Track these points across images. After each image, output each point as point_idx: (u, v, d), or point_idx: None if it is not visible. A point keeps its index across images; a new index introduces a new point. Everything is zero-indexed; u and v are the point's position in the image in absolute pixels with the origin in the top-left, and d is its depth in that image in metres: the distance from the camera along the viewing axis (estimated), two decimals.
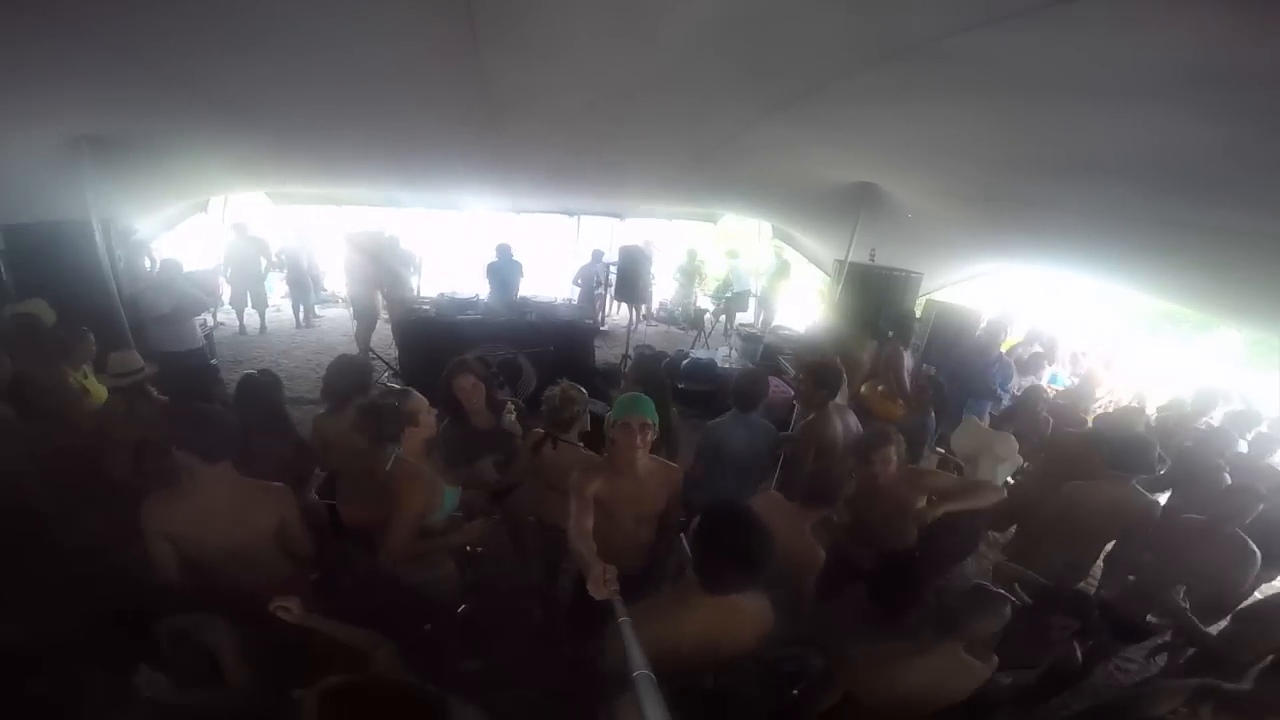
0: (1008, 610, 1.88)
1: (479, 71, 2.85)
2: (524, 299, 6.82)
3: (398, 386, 2.36)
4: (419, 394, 2.36)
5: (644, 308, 9.49)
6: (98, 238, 3.61)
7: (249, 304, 7.67)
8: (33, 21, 2.04)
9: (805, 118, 3.25)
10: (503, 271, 7.17)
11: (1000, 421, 4.25)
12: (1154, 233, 3.67)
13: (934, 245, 6.28)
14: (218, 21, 2.31)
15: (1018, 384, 5.31)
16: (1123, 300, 9.19)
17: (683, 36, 2.42)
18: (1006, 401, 5.04)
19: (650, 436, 2.21)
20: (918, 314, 6.74)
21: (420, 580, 2.42)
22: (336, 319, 8.55)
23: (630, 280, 6.91)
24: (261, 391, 2.92)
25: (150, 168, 3.97)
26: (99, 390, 3.12)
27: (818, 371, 3.29)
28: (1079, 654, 2.44)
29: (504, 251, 7.27)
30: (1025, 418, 4.07)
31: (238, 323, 7.69)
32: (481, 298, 6.67)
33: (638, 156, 4.57)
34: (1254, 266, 3.55)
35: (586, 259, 8.92)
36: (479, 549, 3.13)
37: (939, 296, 7.38)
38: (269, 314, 8.08)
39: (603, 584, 1.68)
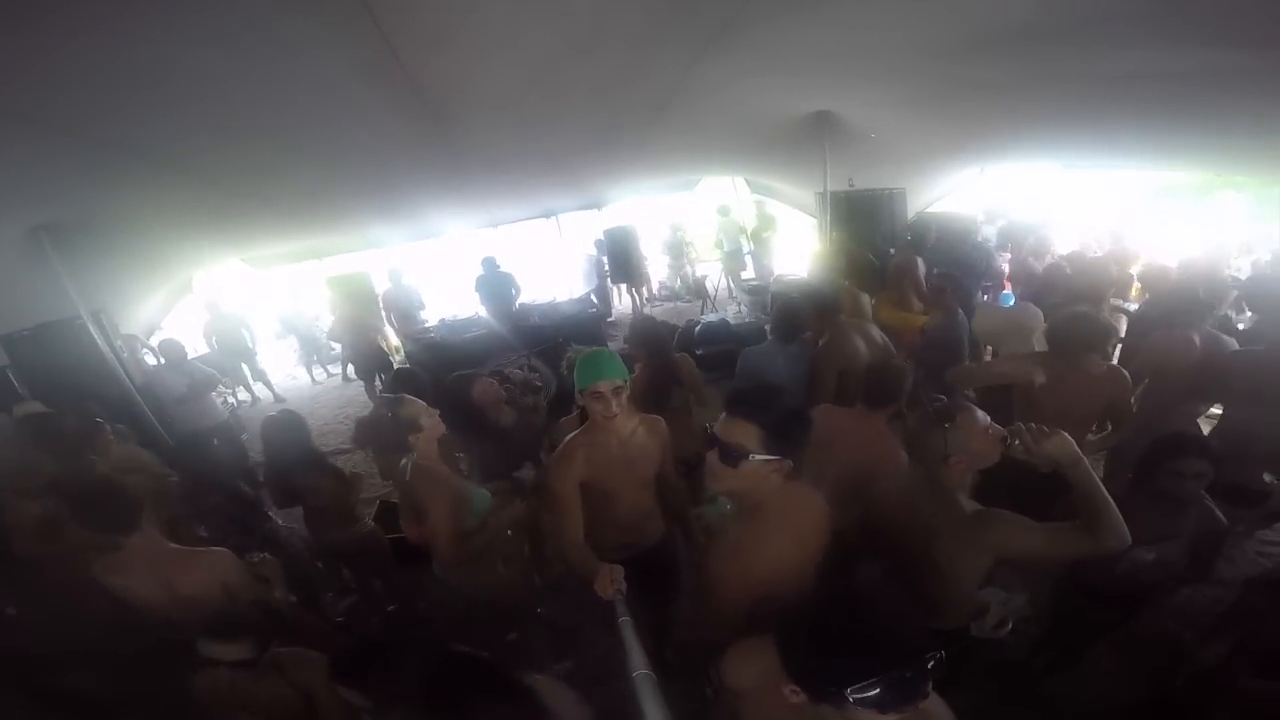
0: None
1: (406, 78, 2.85)
2: (523, 305, 6.84)
3: (391, 398, 2.33)
4: (413, 398, 2.31)
5: (645, 290, 9.48)
6: (93, 331, 3.70)
7: (249, 377, 7.67)
8: None
9: (740, 46, 3.17)
10: (493, 284, 7.12)
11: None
12: (1109, 91, 3.51)
13: (909, 161, 6.23)
14: (155, 91, 2.33)
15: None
16: (1115, 182, 8.90)
17: None
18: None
19: (625, 396, 1.96)
20: (910, 228, 6.67)
21: (484, 585, 2.39)
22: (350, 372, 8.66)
23: (622, 261, 6.89)
24: (285, 431, 2.99)
25: (120, 251, 4.05)
26: None
27: (816, 296, 3.26)
28: (1218, 513, 2.07)
29: (489, 264, 7.18)
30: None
31: (248, 396, 7.75)
32: (481, 315, 6.72)
33: (593, 131, 4.54)
34: (1213, 109, 3.45)
35: (590, 252, 8.82)
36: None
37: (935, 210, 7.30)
38: (285, 381, 8.22)
39: (609, 584, 1.62)
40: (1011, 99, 3.94)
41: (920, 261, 4.38)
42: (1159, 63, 3.02)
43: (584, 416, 2.40)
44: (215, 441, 4.53)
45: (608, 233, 6.91)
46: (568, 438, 2.10)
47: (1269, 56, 2.62)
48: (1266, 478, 2.69)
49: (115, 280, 4.34)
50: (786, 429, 1.46)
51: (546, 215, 8.50)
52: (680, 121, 4.66)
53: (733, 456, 1.46)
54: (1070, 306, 3.35)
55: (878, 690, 0.97)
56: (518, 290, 7.15)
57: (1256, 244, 6.12)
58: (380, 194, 5.04)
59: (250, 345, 7.46)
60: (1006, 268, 6.73)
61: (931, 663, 1.00)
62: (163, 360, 4.83)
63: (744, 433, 1.45)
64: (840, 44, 3.26)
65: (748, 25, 2.88)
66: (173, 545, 2.05)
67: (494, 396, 3.06)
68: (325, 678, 1.72)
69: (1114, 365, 2.64)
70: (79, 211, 3.34)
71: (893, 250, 6.43)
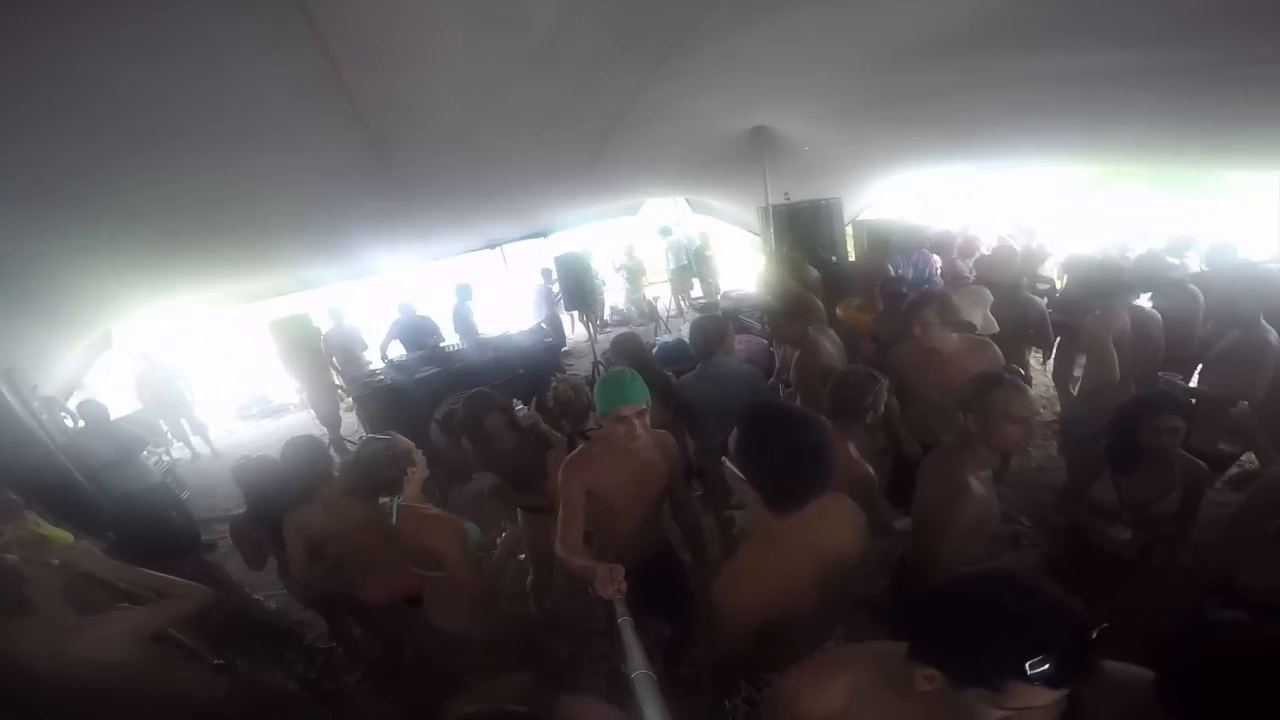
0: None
1: (350, 103, 2.78)
2: (480, 339, 6.67)
3: (379, 436, 2.23)
4: (400, 435, 2.21)
5: (598, 317, 9.45)
6: (5, 392, 3.35)
7: (189, 432, 7.29)
8: None
9: (687, 67, 3.27)
10: (411, 329, 6.65)
11: None
12: (1032, 93, 3.79)
13: (842, 171, 6.52)
14: (72, 113, 2.16)
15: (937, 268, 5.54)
16: (1022, 180, 9.62)
17: (547, 13, 2.40)
18: None
19: (646, 417, 1.95)
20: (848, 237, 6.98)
21: (488, 626, 2.23)
22: (294, 423, 8.21)
23: (575, 288, 6.82)
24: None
25: (29, 302, 3.73)
26: (59, 535, 2.92)
27: (787, 304, 3.25)
28: (1199, 463, 2.20)
29: (407, 308, 6.79)
30: None
31: (187, 453, 7.33)
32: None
33: (541, 158, 4.53)
34: (1120, 102, 3.73)
35: (538, 282, 8.71)
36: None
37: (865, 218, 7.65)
38: (222, 436, 7.77)
39: (609, 583, 1.59)
40: (940, 105, 4.20)
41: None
42: (1080, 62, 3.24)
43: (571, 447, 2.41)
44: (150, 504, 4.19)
45: (559, 260, 6.81)
46: (581, 446, 2.12)
47: (1182, 54, 2.89)
48: (1222, 445, 2.87)
49: (25, 335, 3.94)
50: (763, 469, 1.38)
51: (491, 246, 8.37)
52: (625, 145, 4.73)
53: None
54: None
55: (1052, 664, 0.89)
56: (438, 331, 6.69)
57: (1151, 229, 6.61)
58: (318, 228, 4.82)
59: (188, 398, 7.02)
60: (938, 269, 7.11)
61: (1096, 633, 0.92)
62: (83, 424, 4.46)
63: (733, 453, 1.41)
64: (783, 59, 3.41)
65: (698, 45, 2.97)
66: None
67: (504, 426, 2.95)
68: None
69: (978, 338, 2.88)
70: None
71: (834, 258, 6.70)
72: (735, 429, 1.41)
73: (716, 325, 3.12)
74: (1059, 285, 5.21)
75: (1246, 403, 2.66)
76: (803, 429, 1.33)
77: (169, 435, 7.02)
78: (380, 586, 2.57)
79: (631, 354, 3.27)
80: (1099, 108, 3.83)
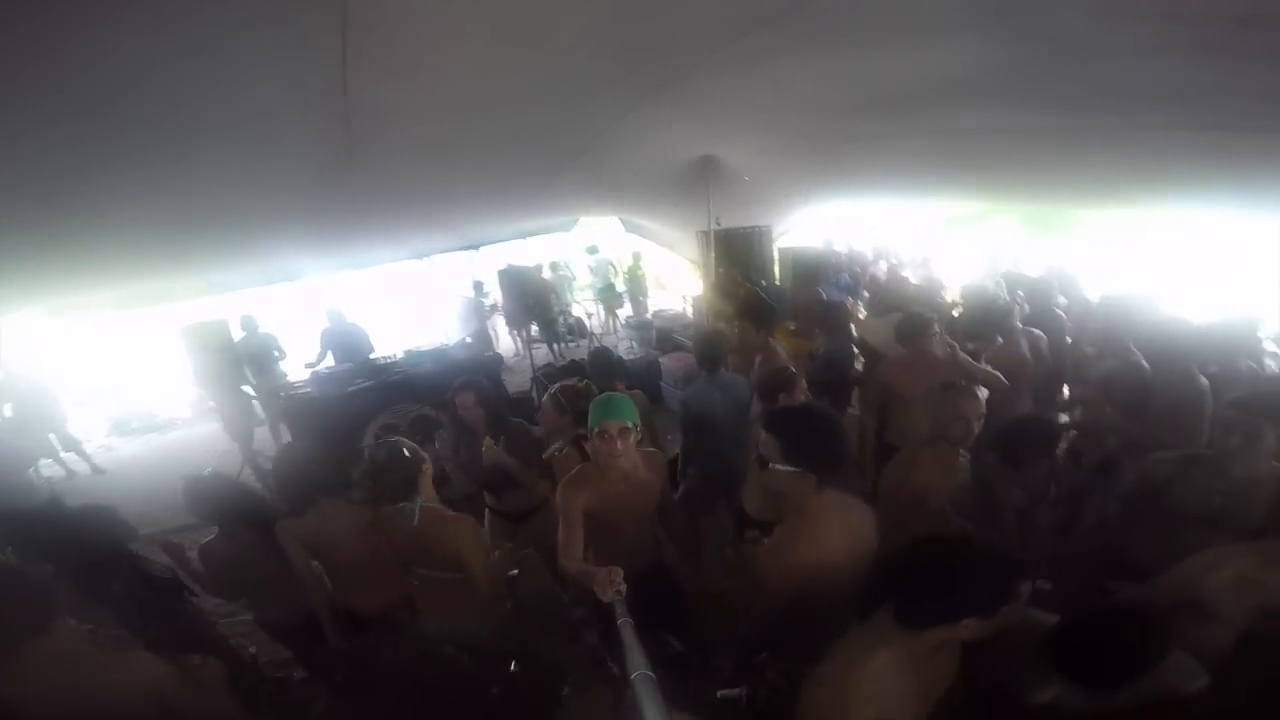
0: None
1: (343, 103, 2.67)
2: (413, 352, 6.40)
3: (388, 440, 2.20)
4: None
5: (525, 333, 9.30)
6: None
7: (59, 448, 6.44)
8: None
9: (669, 100, 3.42)
10: (343, 335, 6.46)
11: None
12: (952, 142, 4.31)
13: (768, 200, 6.96)
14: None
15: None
16: (918, 214, 10.72)
17: (567, 34, 2.45)
18: None
19: (633, 438, 2.09)
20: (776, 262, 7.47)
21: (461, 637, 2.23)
22: (185, 438, 7.43)
23: (522, 303, 6.72)
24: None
25: None
26: None
27: (752, 310, 3.46)
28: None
29: (336, 314, 6.53)
30: None
31: (61, 470, 6.45)
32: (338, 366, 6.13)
33: (505, 173, 4.51)
34: (1017, 154, 4.40)
35: (467, 295, 8.39)
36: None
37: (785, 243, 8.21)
38: (99, 453, 6.88)
39: (609, 586, 1.66)
40: (875, 147, 4.66)
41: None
42: (1010, 119, 3.68)
43: (583, 454, 2.49)
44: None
45: (504, 274, 6.69)
46: (578, 467, 2.24)
47: (1094, 117, 3.40)
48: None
49: None
50: (802, 445, 1.67)
51: (419, 257, 8.05)
52: (590, 166, 4.82)
53: (760, 463, 1.72)
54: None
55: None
56: (370, 343, 6.61)
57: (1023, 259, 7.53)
58: (259, 226, 4.43)
59: (56, 411, 6.16)
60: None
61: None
62: None
63: (768, 445, 1.69)
64: (753, 97, 3.62)
65: (685, 82, 3.13)
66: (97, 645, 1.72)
67: (478, 415, 3.02)
68: None
69: (950, 343, 3.12)
70: None
71: (763, 282, 7.13)
72: (772, 427, 1.71)
73: (721, 339, 3.29)
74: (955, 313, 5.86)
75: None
76: (828, 417, 1.77)
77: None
78: (370, 596, 2.49)
79: (607, 369, 3.37)
80: (1012, 157, 4.45)
